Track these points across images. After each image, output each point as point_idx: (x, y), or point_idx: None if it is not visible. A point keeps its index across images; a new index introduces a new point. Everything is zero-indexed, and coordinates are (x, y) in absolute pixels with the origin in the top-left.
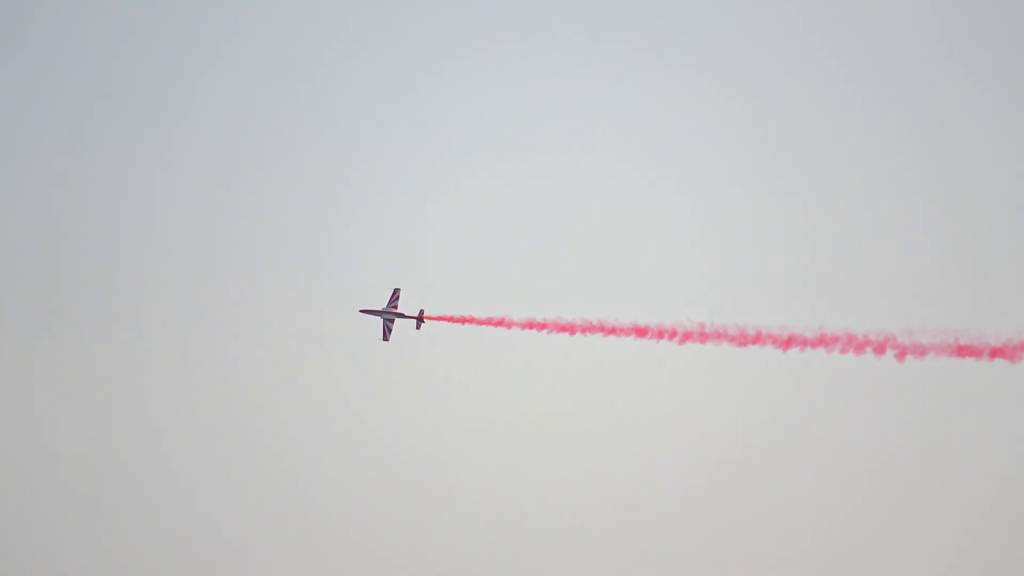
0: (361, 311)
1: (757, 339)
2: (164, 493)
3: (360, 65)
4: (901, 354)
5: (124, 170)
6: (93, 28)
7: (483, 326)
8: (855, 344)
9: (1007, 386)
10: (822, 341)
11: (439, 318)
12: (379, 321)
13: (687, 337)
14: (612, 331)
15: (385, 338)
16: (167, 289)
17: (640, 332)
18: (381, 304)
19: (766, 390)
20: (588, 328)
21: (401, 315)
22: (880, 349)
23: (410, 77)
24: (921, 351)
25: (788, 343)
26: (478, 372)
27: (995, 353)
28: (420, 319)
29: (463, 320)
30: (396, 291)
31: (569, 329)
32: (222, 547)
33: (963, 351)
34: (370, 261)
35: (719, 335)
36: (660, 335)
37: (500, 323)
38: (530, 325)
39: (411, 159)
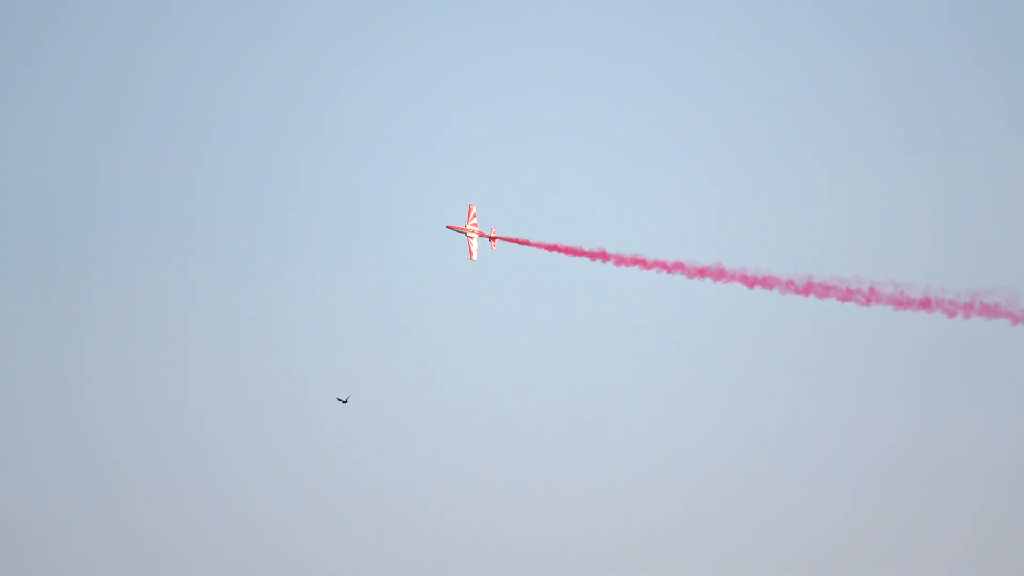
0: (448, 227)
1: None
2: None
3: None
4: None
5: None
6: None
7: (552, 252)
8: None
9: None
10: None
11: (512, 240)
12: (463, 239)
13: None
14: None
15: (472, 258)
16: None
17: (717, 275)
18: (461, 221)
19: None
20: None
21: (482, 234)
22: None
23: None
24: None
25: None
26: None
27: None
28: (492, 238)
29: (536, 245)
30: (471, 207)
31: (638, 263)
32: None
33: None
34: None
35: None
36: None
37: (567, 251)
38: (596, 255)
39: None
